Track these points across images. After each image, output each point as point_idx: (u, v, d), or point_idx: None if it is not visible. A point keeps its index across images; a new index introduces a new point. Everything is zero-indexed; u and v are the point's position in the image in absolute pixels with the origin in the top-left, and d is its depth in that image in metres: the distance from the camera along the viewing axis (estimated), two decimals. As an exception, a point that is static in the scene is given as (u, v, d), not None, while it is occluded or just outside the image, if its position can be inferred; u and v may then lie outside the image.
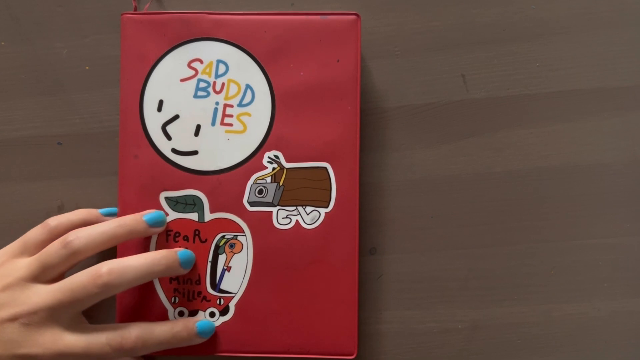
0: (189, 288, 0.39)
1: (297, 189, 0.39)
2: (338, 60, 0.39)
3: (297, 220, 0.39)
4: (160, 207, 0.39)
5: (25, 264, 0.37)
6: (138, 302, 0.39)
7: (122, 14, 0.40)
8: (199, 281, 0.39)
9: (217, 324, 0.39)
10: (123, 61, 0.39)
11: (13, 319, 0.35)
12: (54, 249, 0.36)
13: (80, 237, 0.36)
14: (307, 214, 0.39)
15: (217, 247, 0.39)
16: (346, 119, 0.39)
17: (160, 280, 0.39)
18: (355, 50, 0.39)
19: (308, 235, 0.39)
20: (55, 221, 0.38)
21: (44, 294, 0.36)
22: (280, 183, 0.39)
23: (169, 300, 0.39)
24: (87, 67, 0.42)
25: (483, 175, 0.42)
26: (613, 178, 0.42)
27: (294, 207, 0.39)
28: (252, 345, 0.38)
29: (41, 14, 0.43)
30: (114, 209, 0.40)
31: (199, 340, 0.38)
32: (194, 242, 0.39)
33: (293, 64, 0.39)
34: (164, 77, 0.39)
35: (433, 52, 0.42)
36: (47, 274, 0.36)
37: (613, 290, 0.42)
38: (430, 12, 0.42)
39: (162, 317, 0.39)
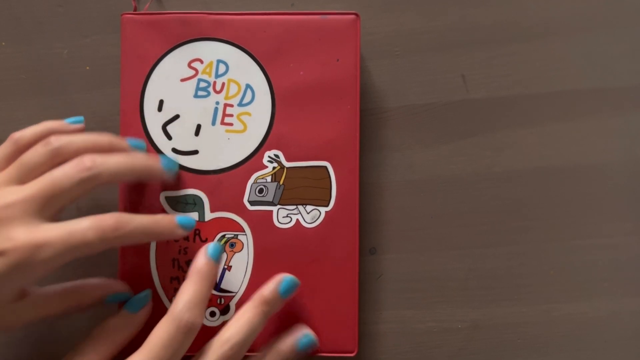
0: None
1: (297, 188, 0.39)
2: (338, 60, 0.39)
3: (297, 219, 0.39)
4: (160, 207, 0.39)
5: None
6: None
7: (122, 14, 0.40)
8: None
9: (218, 323, 0.39)
10: (123, 61, 0.40)
11: None
12: (33, 149, 0.34)
13: (61, 137, 0.35)
14: (308, 213, 0.39)
15: None
16: (346, 118, 0.39)
17: (160, 280, 0.39)
18: (355, 49, 0.39)
19: (308, 234, 0.39)
20: (18, 133, 0.36)
21: (20, 190, 0.33)
22: (281, 182, 0.39)
23: (170, 300, 0.39)
24: (87, 68, 0.42)
25: (483, 175, 0.42)
26: (613, 178, 0.42)
27: (294, 206, 0.39)
28: (252, 345, 0.38)
29: (41, 14, 0.43)
30: (80, 118, 0.38)
31: (181, 233, 0.36)
32: (194, 241, 0.39)
33: (293, 63, 0.39)
34: (164, 77, 0.39)
35: (433, 52, 0.42)
36: (27, 177, 0.34)
37: (613, 290, 0.42)
38: (430, 12, 0.42)
39: (163, 316, 0.39)
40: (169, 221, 0.36)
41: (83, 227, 0.32)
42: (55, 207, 0.33)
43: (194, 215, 0.39)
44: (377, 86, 0.42)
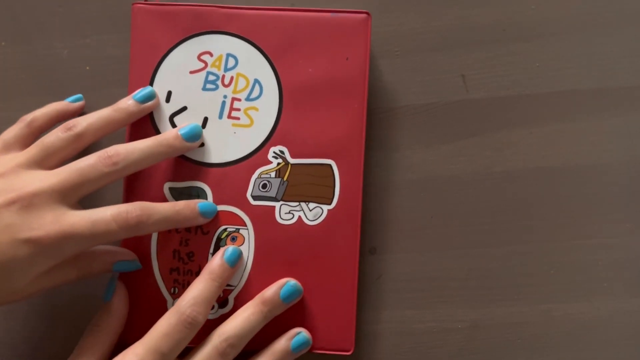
0: (189, 279, 0.39)
1: (300, 184, 0.39)
2: (347, 58, 0.39)
3: (299, 216, 0.39)
4: (164, 198, 0.39)
5: (20, 153, 0.36)
6: (137, 292, 0.39)
7: (133, 4, 0.40)
8: (200, 272, 0.39)
9: (215, 316, 0.39)
10: (133, 51, 0.40)
11: (10, 203, 0.33)
12: (54, 133, 0.36)
13: (80, 121, 0.36)
14: (310, 210, 0.39)
15: (218, 239, 0.39)
16: (353, 117, 0.39)
17: (160, 270, 0.39)
18: (365, 48, 0.39)
19: (310, 231, 0.39)
20: (30, 116, 0.38)
21: (46, 177, 0.35)
22: (285, 178, 0.39)
23: (169, 291, 0.39)
24: (87, 67, 0.43)
25: (483, 175, 0.42)
26: (613, 178, 0.42)
27: (297, 203, 0.39)
28: (251, 342, 0.38)
29: (41, 14, 0.43)
30: (79, 95, 0.41)
31: (202, 220, 0.38)
32: (195, 233, 0.39)
33: (302, 60, 0.39)
34: (173, 68, 0.40)
35: (433, 52, 0.42)
36: (48, 160, 0.36)
37: (613, 290, 0.42)
38: (430, 12, 0.42)
39: (161, 307, 0.39)
40: (191, 210, 0.38)
41: (107, 218, 0.34)
42: (79, 196, 0.35)
43: None
44: (377, 86, 0.42)
